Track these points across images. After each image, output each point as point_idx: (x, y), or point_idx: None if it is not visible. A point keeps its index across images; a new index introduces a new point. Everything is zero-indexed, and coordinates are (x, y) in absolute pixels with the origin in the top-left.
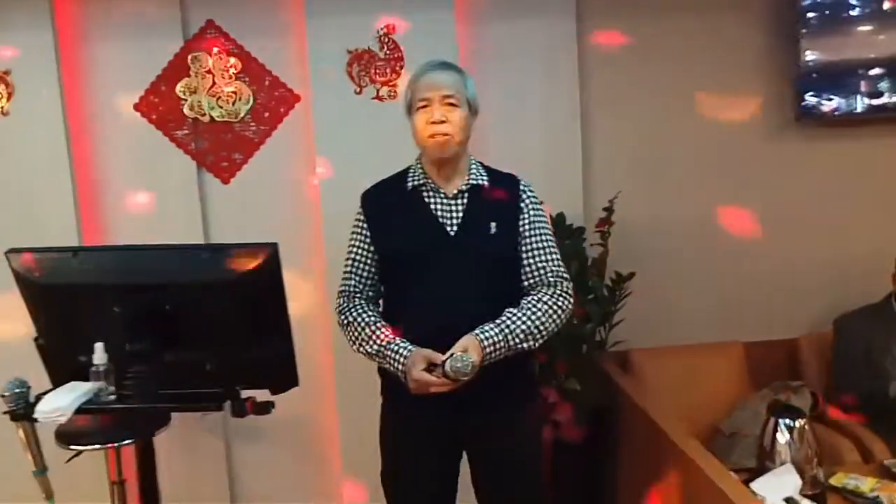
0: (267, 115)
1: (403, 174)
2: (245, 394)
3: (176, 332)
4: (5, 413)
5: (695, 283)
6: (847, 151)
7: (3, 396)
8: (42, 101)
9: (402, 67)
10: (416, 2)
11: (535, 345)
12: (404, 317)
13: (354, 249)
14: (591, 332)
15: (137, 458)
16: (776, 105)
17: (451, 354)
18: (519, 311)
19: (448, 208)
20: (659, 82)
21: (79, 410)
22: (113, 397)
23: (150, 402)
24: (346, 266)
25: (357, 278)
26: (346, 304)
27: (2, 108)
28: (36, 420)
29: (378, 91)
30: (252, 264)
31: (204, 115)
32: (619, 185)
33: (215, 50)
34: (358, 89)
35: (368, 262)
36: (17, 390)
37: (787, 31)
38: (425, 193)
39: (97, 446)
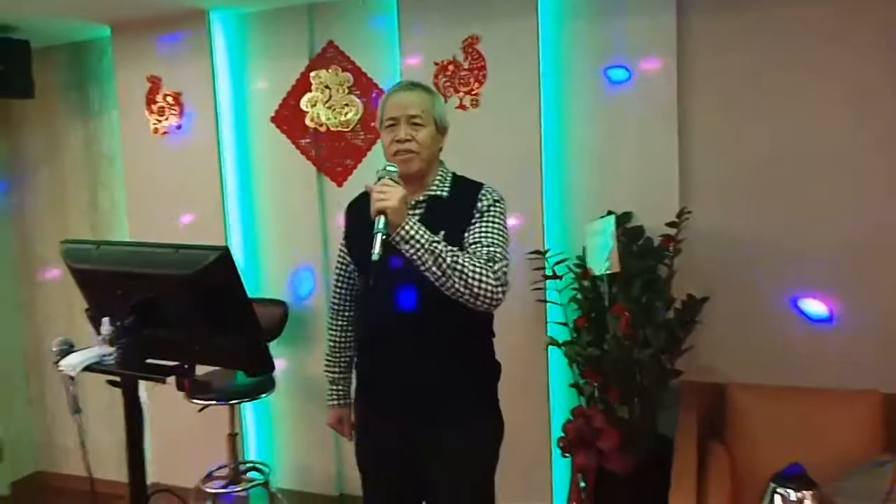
0: (373, 124)
1: None
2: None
3: (155, 314)
4: (54, 363)
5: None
6: None
7: (52, 351)
8: (203, 116)
9: (484, 77)
10: (499, 12)
11: (449, 269)
12: (360, 317)
13: (339, 259)
14: (649, 359)
15: (126, 405)
16: None
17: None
18: None
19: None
20: (778, 78)
21: (87, 369)
22: (113, 362)
23: (129, 369)
24: (333, 275)
25: (338, 288)
26: (328, 319)
27: (177, 123)
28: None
29: (461, 100)
30: (206, 262)
31: (322, 125)
32: (724, 198)
33: (333, 67)
34: (444, 99)
35: (348, 270)
36: (61, 347)
37: None
38: None
39: (213, 402)
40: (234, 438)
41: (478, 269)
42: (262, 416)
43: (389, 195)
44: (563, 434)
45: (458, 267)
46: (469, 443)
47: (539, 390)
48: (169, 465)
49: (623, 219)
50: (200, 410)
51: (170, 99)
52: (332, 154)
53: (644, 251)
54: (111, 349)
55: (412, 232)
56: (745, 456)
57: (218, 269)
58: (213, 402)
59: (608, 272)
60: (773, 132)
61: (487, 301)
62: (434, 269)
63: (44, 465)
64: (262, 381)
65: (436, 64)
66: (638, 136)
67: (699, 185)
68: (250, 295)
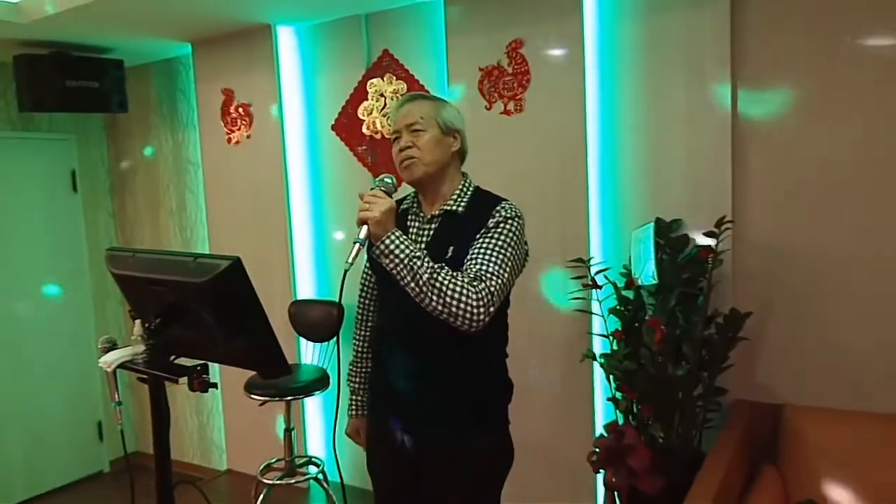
0: None
1: (405, 198)
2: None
3: (179, 317)
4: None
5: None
6: None
7: (99, 348)
8: (269, 126)
9: (528, 81)
10: (542, 15)
11: (426, 287)
12: (376, 328)
13: (364, 271)
14: (686, 375)
15: (152, 400)
16: None
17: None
18: None
19: (422, 231)
20: (845, 74)
21: (121, 366)
22: (142, 360)
23: (154, 368)
24: (358, 286)
25: (362, 299)
26: (353, 329)
27: (247, 133)
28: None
29: (506, 105)
30: (218, 270)
31: (377, 132)
32: (783, 206)
33: (388, 75)
34: (488, 105)
35: (372, 280)
36: (105, 345)
37: None
38: (410, 216)
39: (266, 399)
40: (289, 433)
41: (458, 288)
42: (327, 412)
43: (374, 206)
44: (595, 449)
45: (437, 285)
46: (468, 462)
47: (583, 403)
48: (240, 453)
49: (672, 227)
50: (261, 405)
51: (241, 110)
52: (386, 161)
53: (687, 262)
54: (143, 348)
55: (391, 246)
56: (799, 482)
57: (229, 277)
58: (269, 398)
59: (652, 282)
60: (838, 135)
61: (467, 321)
62: (412, 284)
63: (140, 445)
64: (317, 379)
65: (480, 70)
66: (690, 140)
67: (755, 191)
68: (316, 296)
